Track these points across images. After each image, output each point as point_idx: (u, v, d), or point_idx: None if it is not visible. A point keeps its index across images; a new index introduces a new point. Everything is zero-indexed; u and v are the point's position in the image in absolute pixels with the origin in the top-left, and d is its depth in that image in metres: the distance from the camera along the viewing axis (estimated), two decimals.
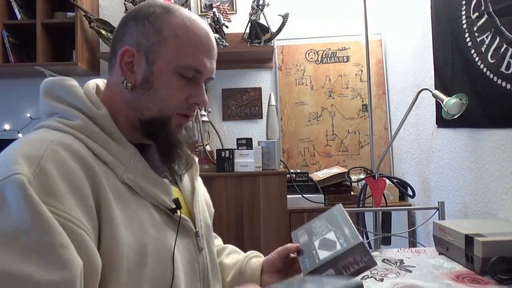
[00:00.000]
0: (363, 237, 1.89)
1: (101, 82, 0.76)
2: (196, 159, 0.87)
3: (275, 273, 0.86)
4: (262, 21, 2.32)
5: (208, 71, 0.71)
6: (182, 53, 0.67)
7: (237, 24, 2.43)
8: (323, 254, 0.66)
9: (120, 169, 0.63)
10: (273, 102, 2.33)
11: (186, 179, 0.82)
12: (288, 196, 2.04)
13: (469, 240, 1.10)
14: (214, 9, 2.31)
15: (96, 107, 0.66)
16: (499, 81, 1.26)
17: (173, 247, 0.66)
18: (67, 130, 0.62)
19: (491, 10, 1.28)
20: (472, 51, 1.40)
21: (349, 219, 0.72)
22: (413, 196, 1.86)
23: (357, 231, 0.68)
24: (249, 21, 2.33)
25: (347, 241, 0.65)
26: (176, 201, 0.68)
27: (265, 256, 0.91)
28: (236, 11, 2.53)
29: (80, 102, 0.66)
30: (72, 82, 0.68)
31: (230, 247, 0.99)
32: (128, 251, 0.58)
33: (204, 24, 0.71)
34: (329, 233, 0.70)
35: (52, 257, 0.49)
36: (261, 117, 2.53)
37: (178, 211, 0.68)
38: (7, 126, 2.45)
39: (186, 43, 0.67)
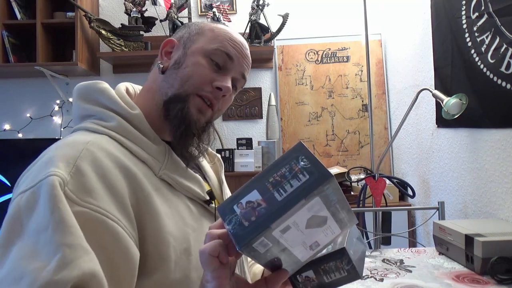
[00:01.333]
0: (362, 237, 1.89)
1: (130, 85, 0.80)
2: (219, 156, 0.92)
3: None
4: (262, 21, 2.32)
5: (240, 63, 0.74)
6: (215, 39, 0.73)
7: (237, 24, 2.43)
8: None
9: (156, 166, 0.67)
10: (273, 102, 2.33)
11: (211, 174, 0.84)
12: None
13: (469, 240, 1.10)
14: (214, 9, 2.31)
15: (130, 108, 0.70)
16: (499, 81, 1.26)
17: None
18: (103, 131, 0.66)
19: (491, 10, 1.28)
20: (472, 51, 1.40)
21: (354, 230, 0.68)
22: (413, 196, 1.86)
23: (347, 239, 0.60)
24: (249, 21, 2.33)
25: (333, 247, 0.61)
26: (210, 192, 0.72)
27: None
28: (236, 11, 2.53)
29: (114, 104, 0.69)
30: (105, 85, 0.71)
31: None
32: (173, 241, 0.61)
33: (241, 37, 0.77)
34: None
35: (57, 256, 0.50)
36: (261, 117, 2.53)
37: (213, 202, 0.72)
38: (7, 126, 2.45)
39: (220, 35, 0.74)
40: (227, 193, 0.83)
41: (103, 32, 2.28)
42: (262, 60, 2.51)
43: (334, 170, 2.22)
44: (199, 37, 0.74)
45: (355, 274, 0.58)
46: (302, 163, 0.45)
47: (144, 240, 0.59)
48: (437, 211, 1.56)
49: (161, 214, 0.62)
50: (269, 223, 0.43)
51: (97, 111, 0.69)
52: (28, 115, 2.46)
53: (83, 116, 0.71)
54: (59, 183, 0.53)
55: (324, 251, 0.59)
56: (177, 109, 0.69)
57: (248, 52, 0.77)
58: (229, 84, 0.72)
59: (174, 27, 2.24)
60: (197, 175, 0.74)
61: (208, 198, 0.72)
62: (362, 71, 2.49)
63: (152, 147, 0.68)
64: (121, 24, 2.32)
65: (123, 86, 0.77)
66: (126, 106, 0.69)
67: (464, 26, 1.45)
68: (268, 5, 2.31)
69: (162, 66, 0.73)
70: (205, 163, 0.85)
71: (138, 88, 0.81)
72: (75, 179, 0.55)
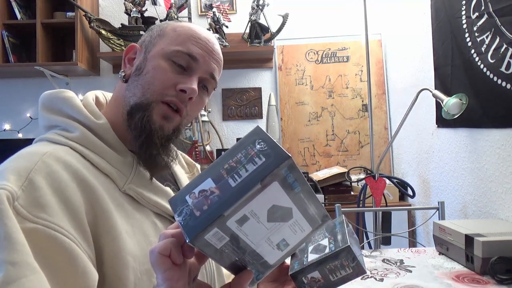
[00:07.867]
0: (362, 237, 1.89)
1: (100, 94, 0.75)
2: (199, 166, 0.87)
3: (271, 282, 0.79)
4: (262, 21, 2.32)
5: (207, 62, 0.68)
6: (176, 40, 0.68)
7: (237, 24, 2.43)
8: (311, 257, 0.62)
9: (121, 179, 0.63)
10: (273, 102, 2.33)
11: None
12: None
13: (469, 240, 1.10)
14: (214, 9, 2.31)
15: (95, 117, 0.66)
16: (499, 81, 1.26)
17: None
18: (65, 142, 0.62)
19: (491, 10, 1.28)
20: (472, 51, 1.40)
21: (346, 227, 0.66)
22: (413, 196, 1.86)
23: (348, 237, 0.61)
24: (249, 21, 2.33)
25: (336, 245, 0.60)
26: None
27: None
28: (236, 11, 2.53)
29: (78, 113, 0.65)
30: (70, 94, 0.68)
31: None
32: (134, 262, 0.58)
33: (208, 32, 0.72)
34: (324, 240, 0.65)
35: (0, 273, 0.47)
36: (261, 117, 2.53)
37: None
38: (7, 126, 2.45)
39: (181, 34, 0.68)
40: None
41: (103, 32, 2.28)
42: (262, 60, 2.51)
43: (334, 170, 2.22)
44: (160, 39, 0.69)
45: (360, 269, 0.58)
46: (258, 146, 0.42)
47: (102, 261, 0.55)
48: (437, 211, 1.56)
49: (121, 233, 0.57)
50: (221, 210, 0.40)
51: (61, 121, 0.65)
52: (28, 115, 2.46)
53: (48, 126, 0.68)
54: (7, 198, 0.49)
55: (327, 250, 0.59)
56: (137, 118, 0.65)
57: (217, 47, 0.71)
58: (195, 86, 0.66)
59: None
60: (167, 189, 0.69)
61: None
62: (362, 71, 2.49)
63: (117, 159, 0.64)
64: (121, 24, 2.33)
65: (92, 94, 0.73)
66: (91, 115, 0.65)
67: (464, 26, 1.45)
68: (268, 5, 2.31)
69: (124, 74, 0.69)
70: (182, 174, 0.80)
71: (110, 96, 0.77)
72: (27, 193, 0.51)
